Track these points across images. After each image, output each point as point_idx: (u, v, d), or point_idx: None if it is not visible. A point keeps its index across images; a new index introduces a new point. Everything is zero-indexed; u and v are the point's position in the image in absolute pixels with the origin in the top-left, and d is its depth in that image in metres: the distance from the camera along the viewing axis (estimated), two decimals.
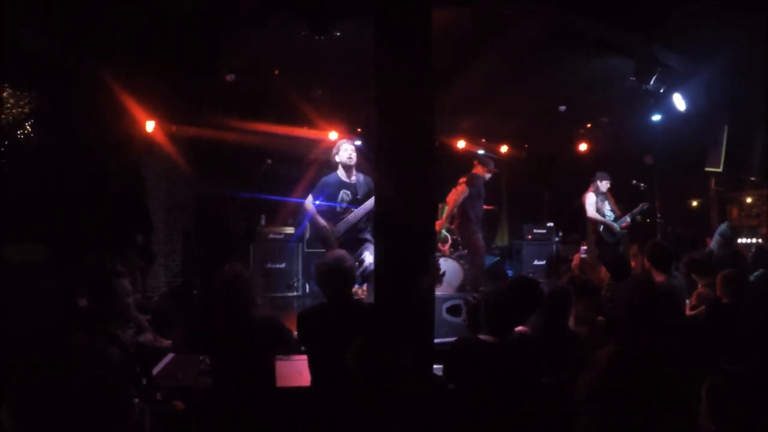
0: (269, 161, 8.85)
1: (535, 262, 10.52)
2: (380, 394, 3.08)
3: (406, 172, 4.24)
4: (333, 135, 9.99)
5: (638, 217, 10.19)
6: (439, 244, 9.31)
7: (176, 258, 9.84)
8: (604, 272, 5.44)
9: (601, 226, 9.16)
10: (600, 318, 4.47)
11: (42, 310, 4.44)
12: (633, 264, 6.41)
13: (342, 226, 6.72)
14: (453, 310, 6.43)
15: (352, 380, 3.12)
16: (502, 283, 4.54)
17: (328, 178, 7.01)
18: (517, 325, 3.59)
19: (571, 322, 4.25)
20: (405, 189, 4.17)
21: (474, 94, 8.90)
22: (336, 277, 3.99)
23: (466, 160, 11.64)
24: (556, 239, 10.91)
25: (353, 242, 6.72)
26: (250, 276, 4.16)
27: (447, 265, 8.64)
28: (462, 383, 3.54)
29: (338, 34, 6.08)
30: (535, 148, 12.39)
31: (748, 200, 13.11)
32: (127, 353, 3.38)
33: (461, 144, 11.21)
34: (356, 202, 6.75)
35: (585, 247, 9.79)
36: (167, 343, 5.84)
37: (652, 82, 7.87)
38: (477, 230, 8.65)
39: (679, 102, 8.59)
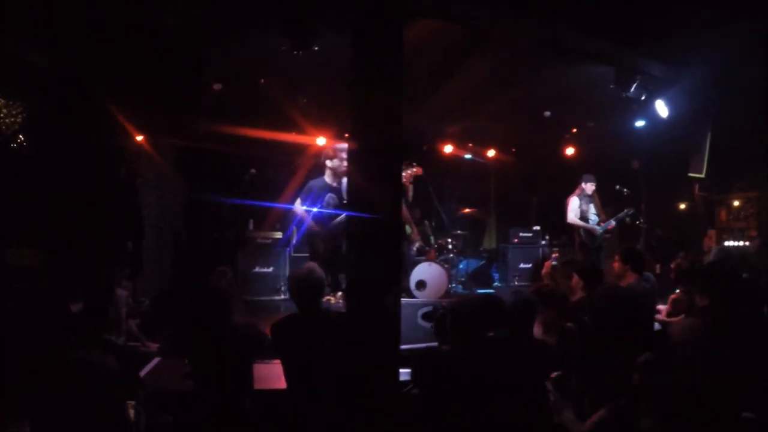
0: (253, 171, 9.06)
1: (521, 265, 10.74)
2: (349, 399, 3.39)
3: (375, 181, 4.62)
4: (321, 140, 10.30)
5: (627, 220, 10.47)
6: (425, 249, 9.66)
7: (165, 264, 10.09)
8: (575, 280, 5.69)
9: (582, 231, 9.46)
10: (569, 324, 4.72)
11: (37, 313, 4.67)
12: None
13: (335, 227, 7.19)
14: (428, 317, 6.77)
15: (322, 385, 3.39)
16: (469, 296, 4.82)
17: (316, 182, 7.42)
18: (480, 336, 3.86)
19: (539, 331, 4.53)
20: (374, 197, 4.53)
21: (461, 99, 9.14)
22: (306, 289, 4.30)
23: (453, 164, 12.01)
24: (543, 242, 11.10)
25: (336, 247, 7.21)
26: (231, 285, 4.48)
27: (431, 270, 8.93)
28: (428, 392, 3.82)
29: (317, 48, 6.32)
30: (523, 152, 12.57)
31: (736, 203, 13.47)
32: (123, 360, 3.65)
33: (448, 149, 11.45)
34: (342, 206, 7.16)
35: (555, 255, 10.08)
36: (154, 347, 6.17)
37: (632, 90, 8.04)
38: None
39: (661, 109, 8.83)
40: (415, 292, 8.51)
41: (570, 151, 11.88)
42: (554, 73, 8.23)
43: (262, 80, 8.44)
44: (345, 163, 7.17)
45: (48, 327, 3.83)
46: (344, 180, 7.23)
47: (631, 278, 6.01)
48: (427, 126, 10.33)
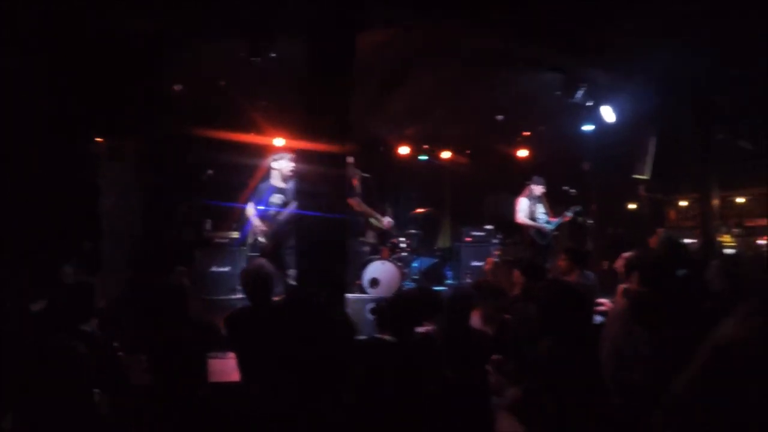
0: (210, 171, 9.19)
1: (473, 263, 10.94)
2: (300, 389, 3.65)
3: (322, 181, 5.02)
4: (279, 141, 10.52)
5: (579, 219, 10.89)
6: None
7: (122, 264, 10.06)
8: (516, 275, 6.03)
9: (533, 230, 9.84)
10: (507, 317, 5.05)
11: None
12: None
13: (274, 228, 7.72)
14: (375, 311, 7.09)
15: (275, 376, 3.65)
16: (407, 290, 5.12)
17: (264, 184, 7.85)
18: (416, 327, 4.17)
19: (478, 322, 4.85)
20: (321, 196, 4.90)
21: (415, 104, 9.37)
22: (257, 283, 4.61)
23: (409, 165, 12.30)
24: (495, 241, 11.38)
25: (282, 243, 7.75)
26: (187, 283, 4.74)
27: (384, 268, 9.23)
28: (367, 379, 4.12)
29: (274, 55, 6.54)
30: (477, 153, 12.91)
31: (683, 203, 14.04)
32: (94, 348, 3.84)
33: (404, 150, 11.72)
34: (288, 206, 7.67)
35: (498, 252, 10.46)
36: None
37: (577, 96, 8.37)
38: None
39: (607, 114, 9.22)
40: (369, 290, 8.73)
41: (523, 153, 12.22)
42: (504, 79, 8.53)
43: (223, 82, 8.54)
44: (291, 165, 7.58)
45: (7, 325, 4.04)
46: (291, 182, 7.66)
47: (575, 275, 6.47)
48: (384, 129, 10.57)
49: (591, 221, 11.02)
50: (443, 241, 13.40)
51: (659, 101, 9.36)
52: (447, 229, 13.49)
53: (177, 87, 8.56)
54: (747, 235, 14.87)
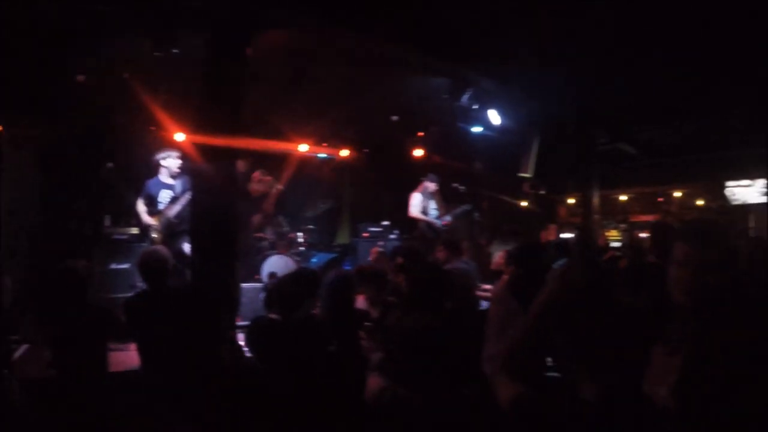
0: (110, 164, 9.21)
1: (370, 258, 11.44)
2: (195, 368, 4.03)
3: (213, 176, 5.41)
4: (180, 137, 10.62)
5: (475, 216, 11.51)
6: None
7: (20, 260, 9.93)
8: (399, 260, 6.55)
9: (424, 224, 10.42)
10: (391, 298, 5.53)
11: None
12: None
13: (163, 221, 8.39)
14: None
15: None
16: (289, 272, 5.50)
17: (152, 181, 8.24)
18: (299, 306, 4.57)
19: (364, 304, 5.31)
20: (212, 191, 5.29)
21: (314, 101, 9.61)
22: (152, 267, 4.90)
23: (309, 163, 12.64)
24: (392, 236, 11.80)
25: (174, 236, 8.21)
26: (85, 273, 4.98)
27: (282, 262, 9.65)
28: (257, 354, 4.51)
29: (176, 51, 6.72)
30: (376, 152, 13.30)
31: (571, 201, 14.97)
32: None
33: (304, 147, 11.96)
34: (174, 201, 8.36)
35: (381, 242, 11.00)
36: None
37: (464, 100, 8.74)
38: None
39: (494, 117, 9.70)
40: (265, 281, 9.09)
41: (419, 152, 12.62)
42: (396, 82, 8.85)
43: (126, 75, 8.45)
44: (179, 162, 8.03)
45: None
46: (179, 177, 8.43)
47: (453, 262, 7.05)
48: (283, 127, 10.83)
49: (478, 216, 11.59)
50: (342, 237, 13.77)
51: (541, 106, 9.95)
52: (346, 225, 13.87)
53: (80, 78, 8.42)
54: (631, 230, 16.07)
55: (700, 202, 16.32)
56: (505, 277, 6.95)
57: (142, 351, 4.77)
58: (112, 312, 4.93)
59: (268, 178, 10.00)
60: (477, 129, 10.41)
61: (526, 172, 10.60)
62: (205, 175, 5.68)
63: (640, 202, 16.79)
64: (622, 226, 16.08)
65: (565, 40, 7.70)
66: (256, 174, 9.93)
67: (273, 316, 4.56)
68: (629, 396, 2.09)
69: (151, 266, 4.95)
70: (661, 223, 7.37)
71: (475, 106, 9.09)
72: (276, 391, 4.16)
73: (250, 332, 4.55)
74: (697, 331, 2.21)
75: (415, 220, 10.72)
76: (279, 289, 4.65)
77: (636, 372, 2.25)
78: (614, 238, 16.31)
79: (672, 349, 2.26)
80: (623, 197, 16.77)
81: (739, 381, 2.03)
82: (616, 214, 16.70)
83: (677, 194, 16.17)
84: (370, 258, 7.47)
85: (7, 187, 9.40)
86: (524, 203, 13.95)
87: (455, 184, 11.30)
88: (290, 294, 4.52)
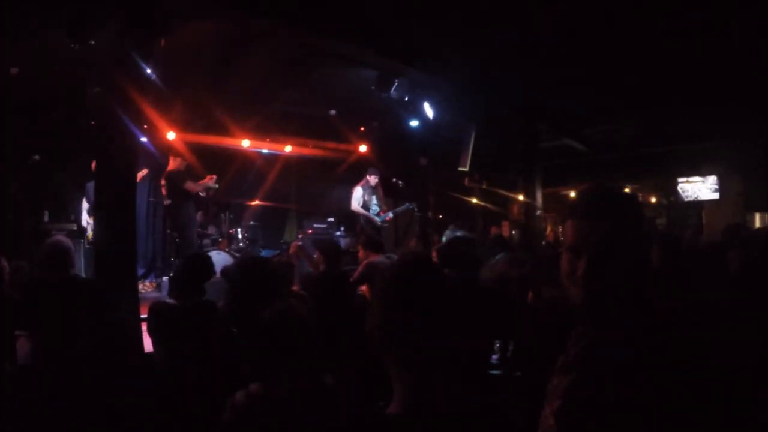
0: (36, 157, 9.26)
1: (315, 255, 11.55)
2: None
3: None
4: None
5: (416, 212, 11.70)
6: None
7: None
8: (318, 256, 6.73)
9: (363, 219, 10.60)
10: (301, 292, 5.71)
11: None
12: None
13: None
14: None
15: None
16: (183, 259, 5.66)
17: (90, 184, 8.39)
18: (195, 291, 4.73)
19: None
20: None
21: (246, 94, 9.71)
22: (55, 256, 5.02)
23: (251, 158, 12.77)
24: (338, 233, 11.91)
25: None
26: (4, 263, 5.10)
27: (220, 258, 9.79)
28: (154, 338, 4.68)
29: (93, 42, 6.79)
30: (320, 147, 13.14)
31: (522, 198, 15.22)
32: None
33: (246, 143, 12.04)
34: None
35: (301, 236, 11.20)
36: None
37: (392, 92, 8.64)
38: None
39: (428, 110, 9.79)
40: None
41: (363, 148, 12.81)
42: (325, 74, 8.88)
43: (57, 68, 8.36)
44: None
45: None
46: None
47: (374, 258, 7.18)
48: (221, 120, 10.91)
49: (418, 212, 11.78)
50: (289, 234, 13.83)
51: (476, 100, 10.05)
52: (293, 221, 13.95)
53: (14, 70, 8.47)
54: None
55: (652, 199, 16.71)
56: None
57: (32, 340, 4.88)
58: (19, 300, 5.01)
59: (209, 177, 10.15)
60: (414, 123, 10.58)
61: (464, 167, 10.77)
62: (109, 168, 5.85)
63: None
64: None
65: (501, 33, 7.81)
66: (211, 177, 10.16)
67: (170, 301, 4.73)
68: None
69: (53, 255, 5.06)
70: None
71: (406, 98, 9.08)
72: (169, 377, 4.35)
73: (148, 317, 4.71)
74: (586, 340, 1.66)
75: (354, 215, 10.87)
76: (175, 275, 4.83)
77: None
78: None
79: (567, 364, 1.67)
80: (573, 194, 17.11)
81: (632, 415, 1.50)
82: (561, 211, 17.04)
83: (626, 190, 16.46)
84: (290, 251, 7.63)
85: None
86: (474, 199, 14.23)
87: (395, 180, 11.48)
88: (182, 280, 4.70)
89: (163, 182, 10.05)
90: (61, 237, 5.50)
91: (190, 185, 9.90)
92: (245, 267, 5.02)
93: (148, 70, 7.39)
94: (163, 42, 6.42)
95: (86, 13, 6.37)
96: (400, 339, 1.62)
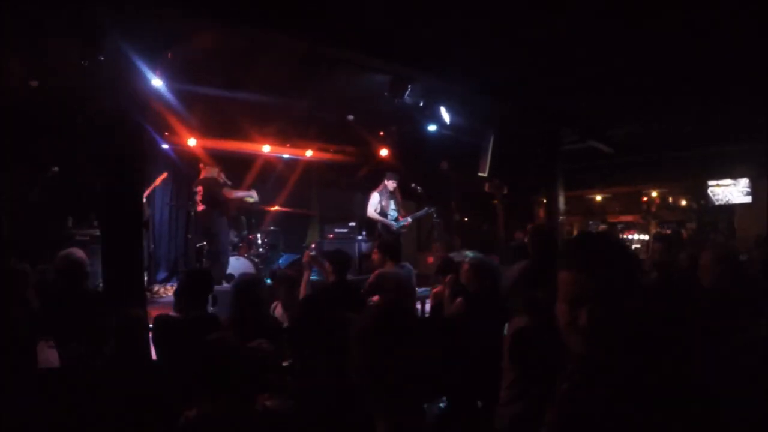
0: (56, 169, 9.45)
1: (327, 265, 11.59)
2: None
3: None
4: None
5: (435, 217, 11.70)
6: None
7: None
8: (328, 266, 6.82)
9: (380, 225, 10.67)
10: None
11: None
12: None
13: None
14: None
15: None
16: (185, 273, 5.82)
17: None
18: (196, 305, 4.86)
19: (280, 312, 5.64)
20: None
21: (264, 99, 9.65)
22: (69, 267, 5.23)
23: (272, 163, 12.91)
24: (360, 237, 11.95)
25: None
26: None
27: (239, 263, 9.99)
28: (157, 350, 4.83)
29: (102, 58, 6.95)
30: (341, 152, 13.46)
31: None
32: None
33: (266, 148, 12.21)
34: None
35: (314, 246, 11.31)
36: None
37: (406, 97, 8.57)
38: None
39: (444, 114, 9.74)
40: (225, 285, 9.39)
41: (384, 152, 12.85)
42: (340, 79, 8.69)
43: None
44: None
45: None
46: None
47: (389, 266, 7.15)
48: (241, 126, 11.06)
49: (437, 218, 11.76)
50: (311, 238, 13.94)
51: (497, 104, 9.92)
52: (315, 226, 14.04)
53: (33, 83, 8.69)
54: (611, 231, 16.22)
55: (682, 202, 16.51)
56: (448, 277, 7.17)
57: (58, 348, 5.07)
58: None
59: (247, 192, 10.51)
60: (432, 128, 10.51)
61: (483, 172, 10.75)
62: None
63: (620, 202, 16.97)
64: (603, 226, 16.28)
65: (519, 33, 7.63)
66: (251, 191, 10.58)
67: (173, 314, 4.88)
68: None
69: (67, 266, 5.29)
70: (537, 227, 7.49)
71: (421, 103, 9.07)
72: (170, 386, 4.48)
73: (153, 329, 4.86)
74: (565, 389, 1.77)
75: (372, 221, 10.96)
76: (177, 289, 4.99)
77: None
78: None
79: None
80: (599, 197, 16.98)
81: None
82: (594, 215, 16.91)
83: (654, 194, 16.31)
84: (303, 260, 7.71)
85: None
86: (496, 203, 14.20)
87: (413, 185, 11.52)
88: (182, 294, 4.86)
89: (198, 189, 10.19)
90: (73, 249, 5.69)
91: (227, 192, 10.14)
92: (247, 281, 5.21)
93: (160, 81, 7.68)
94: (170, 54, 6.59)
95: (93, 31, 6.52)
96: (376, 383, 1.73)
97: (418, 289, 9.11)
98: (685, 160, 14.67)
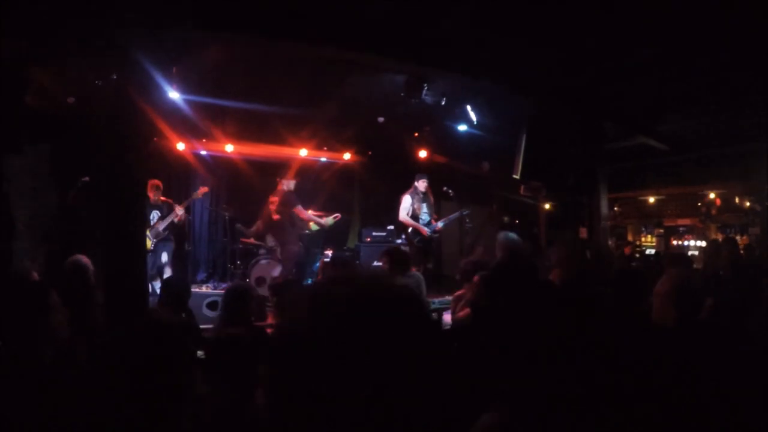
0: (86, 179, 9.84)
1: (375, 263, 11.31)
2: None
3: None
4: (181, 146, 11.66)
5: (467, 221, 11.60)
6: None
7: (41, 261, 10.33)
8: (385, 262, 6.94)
9: (410, 229, 10.71)
10: None
11: None
12: None
13: (153, 232, 9.81)
14: (212, 305, 8.15)
15: None
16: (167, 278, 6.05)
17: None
18: (178, 310, 5.07)
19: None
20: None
21: (293, 103, 9.87)
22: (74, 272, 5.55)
23: (308, 167, 13.12)
24: (399, 241, 11.86)
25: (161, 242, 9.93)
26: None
27: (270, 267, 10.27)
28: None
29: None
30: (380, 154, 13.58)
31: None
32: None
33: (304, 152, 12.43)
34: (162, 218, 10.02)
35: (328, 251, 11.40)
36: None
37: (424, 96, 8.50)
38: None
39: (471, 113, 9.74)
40: (258, 289, 9.63)
41: (423, 153, 12.82)
42: (361, 81, 8.86)
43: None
44: (160, 186, 10.48)
45: None
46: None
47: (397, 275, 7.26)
48: (275, 131, 11.30)
49: (469, 223, 11.59)
50: (352, 241, 14.09)
51: (528, 101, 9.64)
52: (356, 229, 14.11)
53: (70, 100, 9.19)
54: (667, 236, 15.65)
55: (747, 204, 15.70)
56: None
57: None
58: None
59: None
60: (462, 128, 10.46)
61: (516, 174, 10.53)
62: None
63: (675, 203, 16.19)
64: (658, 231, 15.73)
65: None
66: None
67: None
68: None
69: (72, 272, 5.64)
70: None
71: (443, 102, 8.98)
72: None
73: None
74: None
75: (402, 224, 10.95)
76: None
77: None
78: (648, 245, 15.87)
79: None
80: (652, 199, 16.23)
81: None
82: (648, 218, 16.24)
83: (712, 195, 15.53)
84: (320, 267, 7.75)
85: (27, 193, 10.30)
86: (546, 205, 14.03)
87: (445, 188, 11.49)
88: (167, 297, 5.10)
89: (274, 200, 11.00)
90: (77, 256, 6.06)
91: (300, 211, 10.79)
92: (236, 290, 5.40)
93: (177, 93, 7.95)
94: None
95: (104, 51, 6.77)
96: None
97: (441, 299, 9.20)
98: (748, 156, 13.83)
